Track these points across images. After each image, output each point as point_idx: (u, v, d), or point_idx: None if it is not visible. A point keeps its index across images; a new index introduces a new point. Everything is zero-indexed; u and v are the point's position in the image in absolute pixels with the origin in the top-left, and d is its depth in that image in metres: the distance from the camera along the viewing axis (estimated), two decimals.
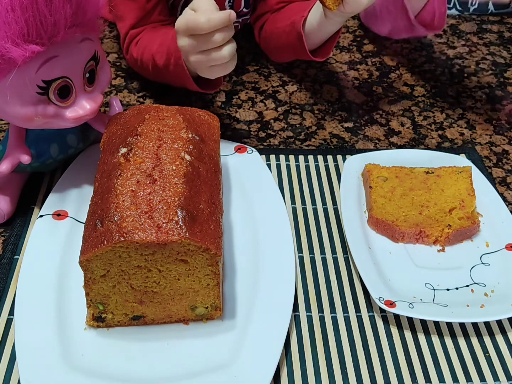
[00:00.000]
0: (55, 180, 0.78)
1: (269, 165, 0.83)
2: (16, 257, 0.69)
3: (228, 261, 0.68)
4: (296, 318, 0.65)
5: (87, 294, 0.59)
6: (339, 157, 0.85)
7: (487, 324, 0.65)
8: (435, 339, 0.64)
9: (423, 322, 0.65)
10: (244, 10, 1.00)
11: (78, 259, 0.56)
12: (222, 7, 0.97)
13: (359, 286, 0.68)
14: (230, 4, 0.97)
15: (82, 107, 0.66)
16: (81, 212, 0.71)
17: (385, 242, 0.72)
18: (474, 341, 0.63)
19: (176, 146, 0.63)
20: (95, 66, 0.67)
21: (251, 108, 0.95)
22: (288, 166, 0.83)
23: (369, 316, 0.65)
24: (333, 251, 0.72)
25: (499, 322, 0.65)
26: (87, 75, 0.66)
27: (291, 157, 0.85)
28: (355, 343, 0.63)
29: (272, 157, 0.85)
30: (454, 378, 0.60)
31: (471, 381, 0.60)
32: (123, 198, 0.57)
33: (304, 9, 0.89)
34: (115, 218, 0.55)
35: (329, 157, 0.85)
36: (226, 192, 0.76)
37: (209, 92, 0.88)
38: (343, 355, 0.62)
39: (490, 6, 1.20)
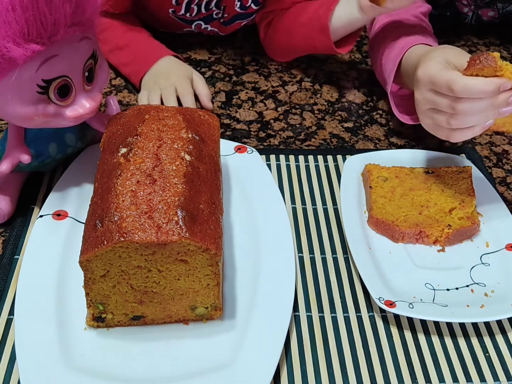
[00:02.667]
0: (55, 180, 0.78)
1: (269, 165, 0.83)
2: (16, 257, 0.69)
3: (228, 261, 0.68)
4: (296, 318, 0.65)
5: (87, 294, 0.59)
6: (339, 157, 0.85)
7: (487, 324, 0.65)
8: (435, 339, 0.63)
9: (423, 322, 0.65)
10: (253, 7, 1.00)
11: (78, 259, 0.56)
12: (231, 2, 0.97)
13: (359, 286, 0.68)
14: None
15: (82, 106, 0.66)
16: (81, 212, 0.71)
17: (385, 242, 0.72)
18: (474, 341, 0.63)
19: (176, 146, 0.62)
20: (94, 64, 0.67)
21: (251, 108, 0.95)
22: (288, 166, 0.83)
23: (369, 316, 0.65)
24: (333, 251, 0.72)
25: (499, 322, 0.65)
26: (86, 73, 0.66)
27: (291, 157, 0.85)
28: (355, 343, 0.63)
29: (272, 157, 0.85)
30: (454, 378, 0.60)
31: (471, 381, 0.60)
32: (123, 198, 0.57)
33: (327, 4, 0.91)
34: (115, 218, 0.55)
35: (329, 157, 0.85)
36: (226, 192, 0.76)
37: None
38: (343, 355, 0.62)
39: None
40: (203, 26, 1.04)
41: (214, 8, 0.99)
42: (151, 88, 0.93)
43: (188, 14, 0.99)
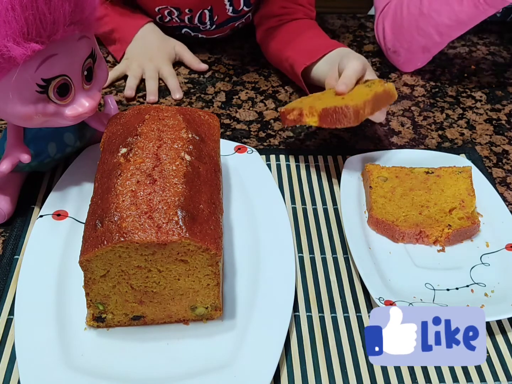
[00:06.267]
0: (55, 180, 0.78)
1: (269, 165, 0.83)
2: (16, 257, 0.69)
3: (228, 261, 0.68)
4: (296, 318, 0.65)
5: (87, 294, 0.59)
6: (339, 157, 0.85)
7: (487, 324, 0.65)
8: None
9: None
10: (245, 9, 1.00)
11: (78, 259, 0.56)
12: (222, 5, 0.97)
13: (359, 286, 0.68)
14: (230, 1, 0.97)
15: (81, 105, 0.66)
16: (81, 212, 0.71)
17: (385, 242, 0.72)
18: None
19: (176, 146, 0.62)
20: (92, 63, 0.67)
21: (251, 108, 0.95)
22: (288, 166, 0.83)
23: (369, 316, 0.65)
24: (333, 251, 0.72)
25: (499, 322, 0.65)
26: (85, 72, 0.66)
27: (291, 157, 0.85)
28: (355, 343, 0.63)
29: (272, 157, 0.85)
30: (454, 378, 0.60)
31: (471, 381, 0.60)
32: (123, 198, 0.57)
33: (309, 51, 0.91)
34: (115, 218, 0.55)
35: (329, 157, 0.85)
36: (226, 192, 0.76)
37: None
38: (343, 355, 0.62)
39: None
40: (193, 34, 1.04)
41: (197, 23, 1.00)
42: (132, 64, 0.98)
43: (174, 20, 1.00)
